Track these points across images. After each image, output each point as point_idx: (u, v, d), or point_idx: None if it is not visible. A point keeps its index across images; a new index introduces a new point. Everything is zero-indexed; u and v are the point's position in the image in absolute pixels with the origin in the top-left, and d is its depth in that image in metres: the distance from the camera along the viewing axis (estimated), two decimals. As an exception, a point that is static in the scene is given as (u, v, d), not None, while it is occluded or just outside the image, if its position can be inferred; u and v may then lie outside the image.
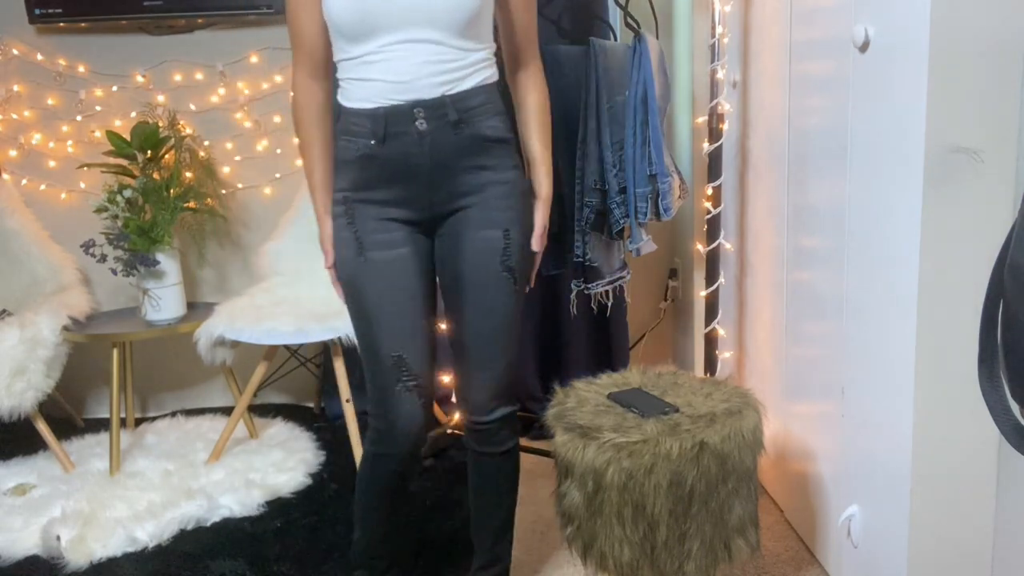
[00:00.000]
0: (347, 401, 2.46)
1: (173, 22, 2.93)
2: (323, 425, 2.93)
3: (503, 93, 1.60)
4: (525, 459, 2.59)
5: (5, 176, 3.01)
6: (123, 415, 2.91)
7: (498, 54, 1.59)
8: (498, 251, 1.54)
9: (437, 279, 1.62)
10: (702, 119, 2.37)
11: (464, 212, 1.55)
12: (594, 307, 2.37)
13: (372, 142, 1.49)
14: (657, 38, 2.32)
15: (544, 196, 1.62)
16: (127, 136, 2.69)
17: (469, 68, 1.49)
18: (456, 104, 1.48)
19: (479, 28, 1.49)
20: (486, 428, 1.65)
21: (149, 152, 2.69)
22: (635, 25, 2.31)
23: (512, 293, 1.57)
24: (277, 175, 3.04)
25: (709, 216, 2.30)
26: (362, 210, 1.53)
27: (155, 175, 2.69)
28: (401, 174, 1.51)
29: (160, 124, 2.75)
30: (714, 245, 2.31)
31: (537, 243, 1.61)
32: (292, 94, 1.60)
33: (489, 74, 1.54)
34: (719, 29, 2.24)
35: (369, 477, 1.63)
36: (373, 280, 1.53)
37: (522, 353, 2.77)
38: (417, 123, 1.47)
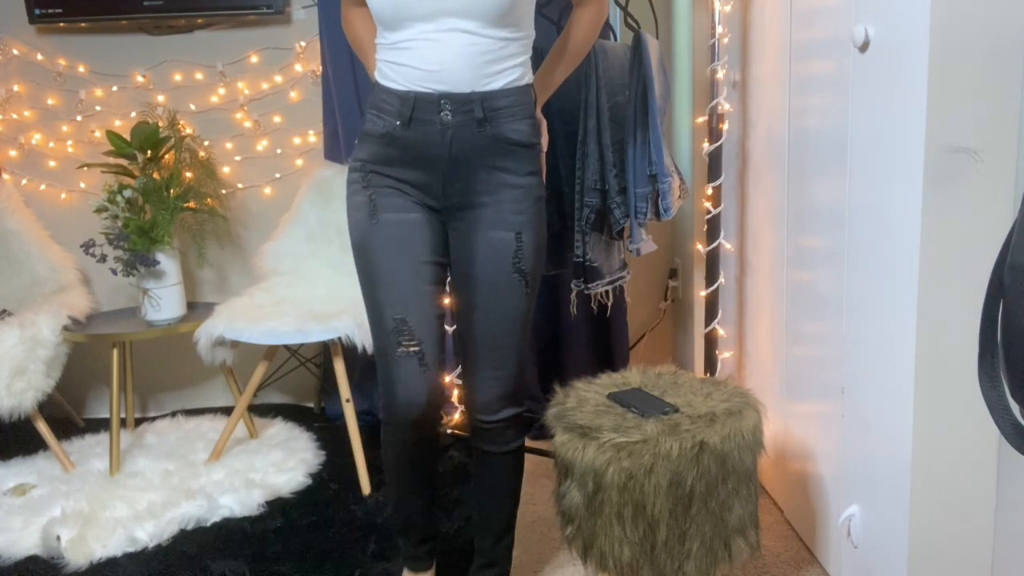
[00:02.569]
0: (347, 401, 2.46)
1: (173, 22, 2.93)
2: (323, 425, 2.92)
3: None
4: (526, 459, 2.59)
5: (5, 176, 3.01)
6: (123, 415, 2.91)
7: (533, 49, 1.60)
8: (510, 253, 1.55)
9: (448, 274, 1.64)
10: (702, 119, 2.37)
11: (477, 211, 1.56)
12: (594, 307, 2.37)
13: (397, 123, 1.52)
14: (657, 38, 2.32)
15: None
16: (127, 136, 2.69)
17: (503, 63, 1.50)
18: (484, 102, 1.49)
19: (516, 16, 1.48)
20: (492, 428, 1.66)
21: (149, 152, 2.69)
22: (635, 25, 2.31)
23: (523, 296, 1.58)
24: (277, 175, 3.04)
25: (709, 216, 2.30)
26: (378, 179, 1.57)
27: (155, 175, 2.69)
28: (420, 160, 1.54)
29: (160, 124, 2.75)
30: (714, 245, 2.32)
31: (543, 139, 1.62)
32: (343, 23, 1.74)
33: (521, 74, 1.54)
34: (719, 29, 2.24)
35: (386, 449, 1.68)
36: (382, 242, 1.55)
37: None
38: (443, 114, 1.49)
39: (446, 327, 2.46)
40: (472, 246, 1.56)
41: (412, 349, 1.54)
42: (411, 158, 1.54)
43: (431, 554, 1.83)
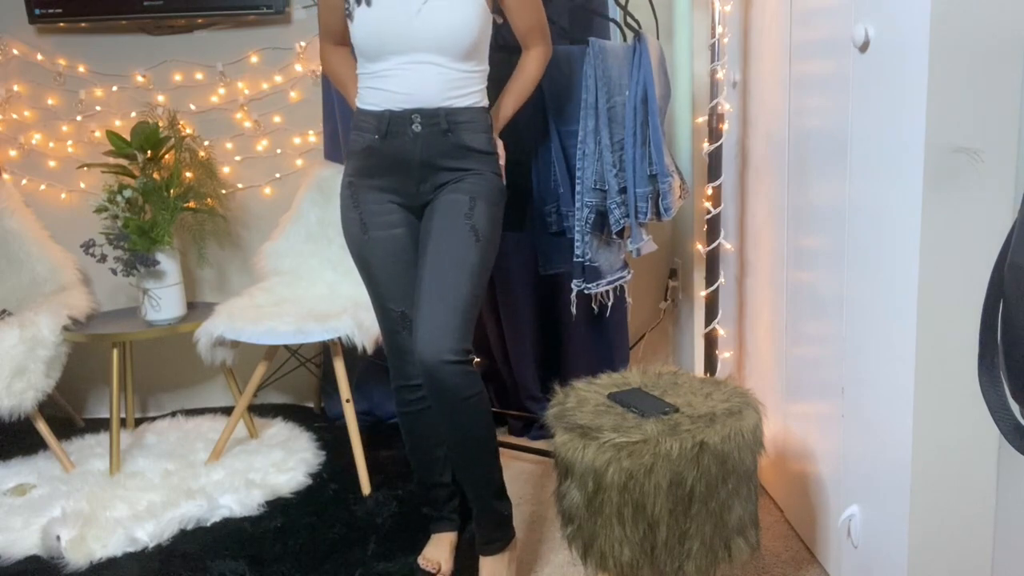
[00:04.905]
0: (347, 401, 2.46)
1: (173, 22, 2.93)
2: (323, 425, 2.93)
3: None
4: (526, 459, 2.59)
5: (5, 176, 3.01)
6: (123, 415, 2.91)
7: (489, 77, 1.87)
8: (463, 209, 1.79)
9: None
10: (702, 119, 2.37)
11: (443, 189, 1.82)
12: (594, 307, 2.37)
13: (376, 137, 1.80)
14: (657, 38, 2.33)
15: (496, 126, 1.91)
16: (127, 136, 2.69)
17: (464, 89, 1.79)
18: (448, 116, 1.78)
19: (476, 52, 1.79)
20: (433, 370, 1.68)
21: (149, 152, 2.69)
22: (635, 25, 2.31)
23: (473, 248, 1.76)
24: (277, 175, 3.04)
25: (709, 216, 2.30)
26: (365, 195, 1.85)
27: (155, 175, 2.69)
28: (396, 165, 1.82)
29: (160, 124, 2.75)
30: (714, 245, 2.31)
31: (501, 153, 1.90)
32: (320, 58, 2.03)
33: (478, 99, 1.83)
34: (719, 29, 2.24)
35: (400, 413, 1.95)
36: (376, 254, 1.85)
37: (522, 353, 2.77)
38: (414, 126, 1.77)
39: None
40: (435, 208, 1.82)
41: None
42: (389, 165, 1.82)
43: (456, 513, 2.06)
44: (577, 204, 2.22)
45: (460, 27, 1.72)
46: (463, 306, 1.71)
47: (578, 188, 2.21)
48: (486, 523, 1.88)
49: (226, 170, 3.02)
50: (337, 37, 1.94)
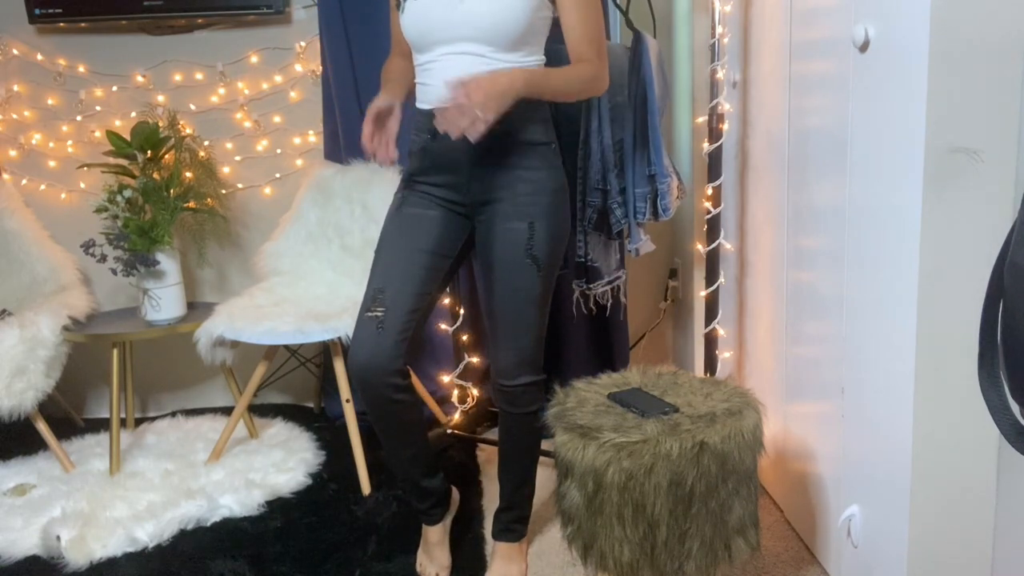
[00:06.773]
0: (347, 401, 2.46)
1: (173, 22, 2.93)
2: (323, 425, 2.93)
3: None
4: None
5: (5, 176, 3.01)
6: (123, 415, 2.91)
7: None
8: (523, 241, 1.76)
9: (474, 263, 1.82)
10: (702, 119, 2.36)
11: (496, 205, 1.78)
12: (592, 307, 2.37)
13: (428, 137, 1.78)
14: (655, 37, 2.32)
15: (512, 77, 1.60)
16: (127, 136, 2.69)
17: None
18: None
19: (526, 43, 1.71)
20: (511, 391, 1.85)
21: (149, 152, 2.69)
22: (634, 26, 2.31)
23: (536, 277, 1.78)
24: (277, 175, 3.04)
25: (709, 216, 2.30)
26: (413, 184, 1.84)
27: (155, 175, 2.68)
28: (448, 164, 1.79)
29: (160, 124, 2.75)
30: (714, 245, 2.31)
31: (476, 94, 1.51)
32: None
33: None
34: (719, 29, 2.24)
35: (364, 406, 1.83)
36: (396, 228, 1.82)
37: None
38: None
39: (446, 327, 2.49)
40: (492, 236, 1.78)
41: (377, 314, 1.74)
42: (441, 164, 1.79)
43: (438, 507, 2.01)
44: (579, 203, 2.21)
45: (504, 16, 1.65)
46: (535, 337, 1.83)
47: (580, 188, 2.21)
48: (511, 516, 2.00)
49: (226, 170, 3.02)
50: (402, 46, 1.85)
